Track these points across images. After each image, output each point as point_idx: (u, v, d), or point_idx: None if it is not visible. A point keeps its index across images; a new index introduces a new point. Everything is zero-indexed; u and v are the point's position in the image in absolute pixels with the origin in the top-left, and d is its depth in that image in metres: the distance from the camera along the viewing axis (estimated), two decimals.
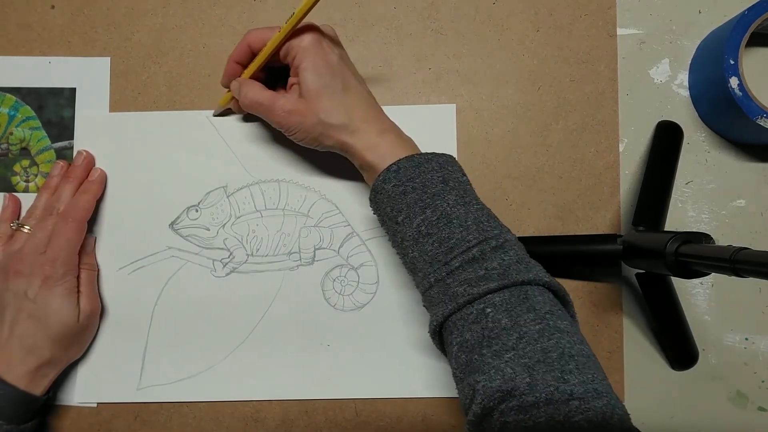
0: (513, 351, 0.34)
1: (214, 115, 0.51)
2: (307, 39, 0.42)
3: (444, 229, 0.38)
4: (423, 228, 0.39)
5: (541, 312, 0.36)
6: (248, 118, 0.51)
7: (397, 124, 0.48)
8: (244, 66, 0.46)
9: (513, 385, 0.33)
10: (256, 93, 0.44)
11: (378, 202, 0.42)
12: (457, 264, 0.37)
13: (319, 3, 0.39)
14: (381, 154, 0.41)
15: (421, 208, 0.39)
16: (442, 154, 0.42)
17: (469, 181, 0.42)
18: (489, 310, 0.36)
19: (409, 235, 0.39)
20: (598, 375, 0.34)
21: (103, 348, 0.50)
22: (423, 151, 0.42)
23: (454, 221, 0.38)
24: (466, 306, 0.37)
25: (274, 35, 0.42)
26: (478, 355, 0.35)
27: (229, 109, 0.50)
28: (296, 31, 0.42)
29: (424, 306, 0.41)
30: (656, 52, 0.51)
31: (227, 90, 0.48)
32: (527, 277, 0.37)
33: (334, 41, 0.44)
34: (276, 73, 0.47)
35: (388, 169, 0.40)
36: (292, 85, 0.44)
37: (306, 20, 0.42)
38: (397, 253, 0.43)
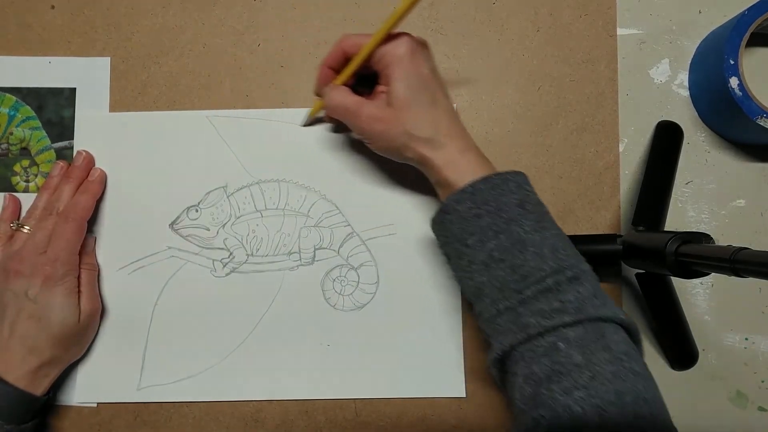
0: (584, 390, 0.33)
1: (303, 125, 0.50)
2: (402, 48, 0.41)
3: (518, 256, 0.37)
4: (496, 253, 0.37)
5: (617, 352, 0.34)
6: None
7: None
8: (337, 71, 0.45)
9: (582, 424, 0.32)
10: (343, 97, 0.43)
11: (445, 223, 0.40)
12: (530, 293, 0.36)
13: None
14: (461, 173, 0.40)
15: (494, 233, 0.38)
16: (517, 172, 0.40)
17: (542, 202, 0.40)
18: (561, 344, 0.34)
19: (479, 260, 0.38)
20: (670, 423, 0.34)
21: (103, 348, 0.50)
22: None
23: (529, 248, 0.37)
24: (537, 338, 0.35)
25: (370, 40, 0.42)
26: (546, 389, 0.34)
27: (318, 118, 0.50)
28: (390, 38, 0.42)
29: (485, 333, 0.40)
30: (656, 52, 0.51)
31: (317, 98, 0.47)
32: (603, 313, 0.36)
33: (427, 52, 0.43)
34: (364, 81, 0.46)
35: (462, 190, 0.39)
36: (380, 92, 0.44)
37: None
38: (458, 276, 0.41)
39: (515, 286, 0.37)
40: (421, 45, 0.43)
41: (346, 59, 0.44)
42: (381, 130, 0.42)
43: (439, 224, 0.41)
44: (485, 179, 0.39)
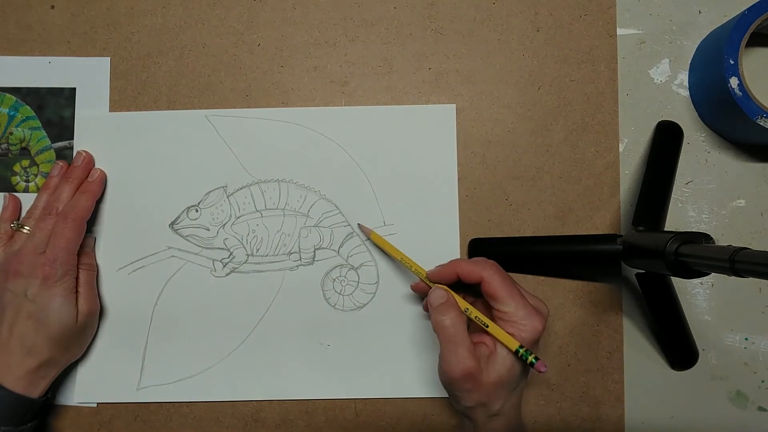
0: None
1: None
2: (538, 331, 0.40)
3: None
4: None
5: None
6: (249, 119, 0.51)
7: (397, 124, 0.47)
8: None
9: None
10: (468, 357, 0.40)
11: None
12: None
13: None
14: None
15: None
16: None
17: None
18: None
19: None
20: None
21: (103, 348, 0.50)
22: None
23: None
24: None
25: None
26: None
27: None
28: (532, 310, 0.40)
29: None
30: (656, 52, 0.51)
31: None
32: None
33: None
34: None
35: None
36: (478, 343, 0.41)
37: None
38: None
39: None
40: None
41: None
42: (470, 388, 0.40)
43: None
44: None
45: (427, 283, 0.45)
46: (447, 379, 0.41)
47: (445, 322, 0.41)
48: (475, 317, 0.41)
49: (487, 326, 0.40)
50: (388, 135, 0.50)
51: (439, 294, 0.42)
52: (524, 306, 0.40)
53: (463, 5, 0.51)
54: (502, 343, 0.40)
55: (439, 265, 0.44)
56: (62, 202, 0.47)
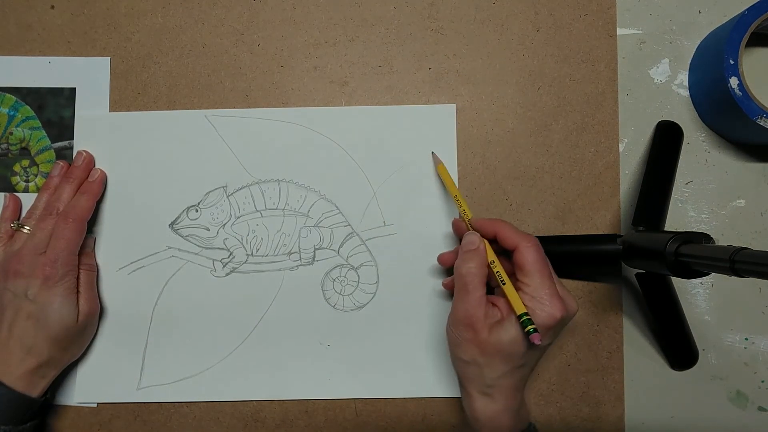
0: None
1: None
2: (559, 314, 0.39)
3: None
4: None
5: None
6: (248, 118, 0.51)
7: (397, 124, 0.47)
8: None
9: None
10: (479, 302, 0.40)
11: None
12: None
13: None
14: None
15: None
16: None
17: None
18: None
19: None
20: None
21: (103, 348, 0.50)
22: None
23: None
24: None
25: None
26: None
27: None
28: (557, 298, 0.39)
29: None
30: (656, 52, 0.51)
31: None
32: None
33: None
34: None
35: None
36: (492, 304, 0.41)
37: None
38: None
39: None
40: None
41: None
42: (468, 337, 0.40)
43: None
44: None
45: (468, 226, 0.45)
46: (451, 323, 0.41)
47: (463, 269, 0.41)
48: (497, 272, 0.41)
49: (504, 283, 0.40)
50: (388, 135, 0.50)
51: (471, 239, 0.43)
52: (549, 287, 0.39)
53: (463, 5, 0.51)
54: (512, 310, 0.39)
55: (486, 218, 0.44)
56: (63, 202, 0.47)
